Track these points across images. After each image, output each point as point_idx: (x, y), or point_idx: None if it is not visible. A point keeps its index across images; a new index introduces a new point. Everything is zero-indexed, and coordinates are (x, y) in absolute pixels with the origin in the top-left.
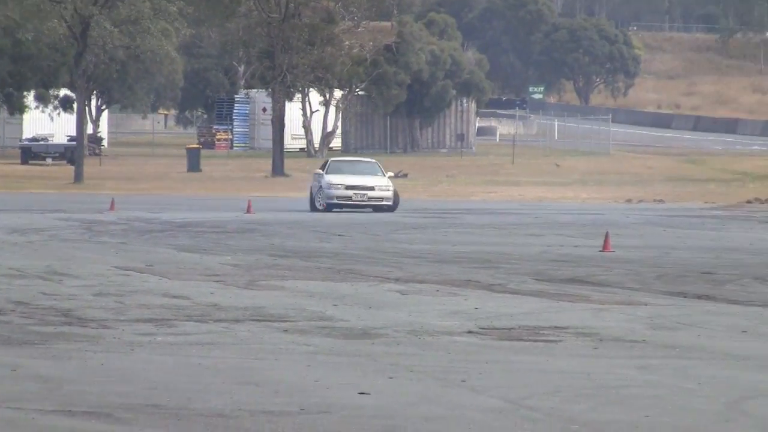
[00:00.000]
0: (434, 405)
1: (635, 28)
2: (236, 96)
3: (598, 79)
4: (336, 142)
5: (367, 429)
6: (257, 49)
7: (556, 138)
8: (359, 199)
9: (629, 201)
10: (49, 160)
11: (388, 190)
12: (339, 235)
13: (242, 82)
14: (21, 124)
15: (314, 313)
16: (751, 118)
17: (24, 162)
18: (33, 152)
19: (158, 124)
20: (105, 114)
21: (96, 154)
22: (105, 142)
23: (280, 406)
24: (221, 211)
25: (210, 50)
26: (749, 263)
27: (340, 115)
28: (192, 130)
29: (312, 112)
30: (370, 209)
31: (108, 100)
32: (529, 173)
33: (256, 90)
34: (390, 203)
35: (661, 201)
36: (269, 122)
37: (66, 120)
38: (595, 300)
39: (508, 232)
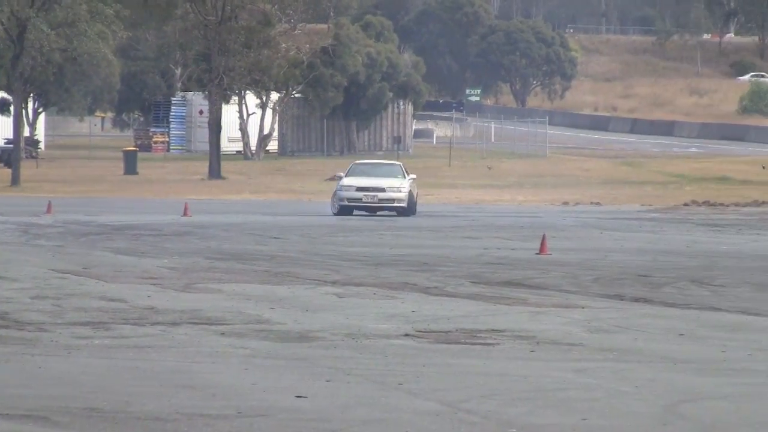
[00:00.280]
0: (371, 408)
1: (572, 30)
2: (173, 99)
3: (534, 82)
4: (273, 145)
5: None
6: (194, 51)
7: (492, 140)
8: (369, 200)
9: (566, 203)
10: None
11: (400, 191)
12: (276, 237)
13: (179, 85)
14: None
15: (251, 316)
16: (687, 120)
17: None
18: None
19: (95, 126)
20: (42, 117)
21: (33, 157)
22: (42, 145)
23: (217, 409)
24: (158, 213)
25: (147, 53)
26: (686, 266)
27: (277, 118)
28: (129, 133)
29: (249, 115)
30: (394, 212)
31: (45, 103)
32: (466, 176)
33: (192, 93)
34: (403, 205)
35: (597, 203)
36: (206, 125)
37: (2, 123)
38: (532, 303)
39: (445, 234)
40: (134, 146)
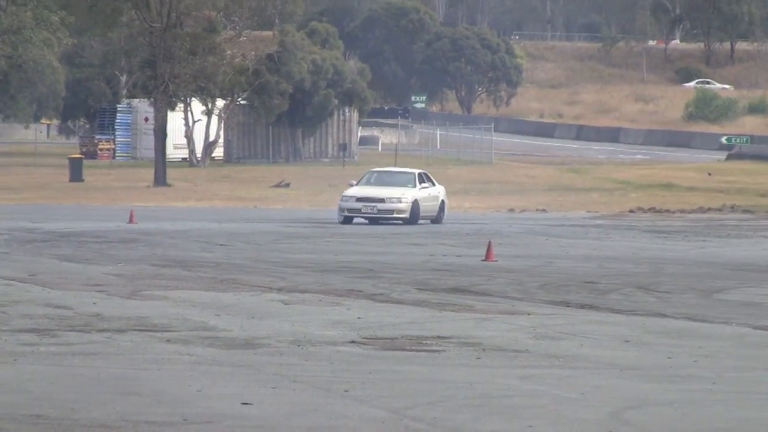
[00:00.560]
0: (317, 415)
1: (517, 37)
2: (118, 106)
3: (480, 88)
4: (218, 152)
5: None
6: (139, 58)
7: (438, 147)
8: (368, 211)
9: (512, 210)
10: None
11: (401, 202)
12: (222, 244)
13: (124, 92)
14: None
15: (197, 323)
16: (633, 127)
17: None
18: None
19: (40, 134)
20: None
21: None
22: None
23: (162, 416)
24: (104, 221)
25: (92, 60)
26: (632, 272)
27: (223, 125)
28: (74, 140)
29: (194, 122)
30: (400, 222)
31: None
32: None
33: (138, 99)
34: (404, 216)
35: (543, 210)
36: (151, 132)
37: None
38: (479, 309)
39: (391, 241)
40: (80, 153)
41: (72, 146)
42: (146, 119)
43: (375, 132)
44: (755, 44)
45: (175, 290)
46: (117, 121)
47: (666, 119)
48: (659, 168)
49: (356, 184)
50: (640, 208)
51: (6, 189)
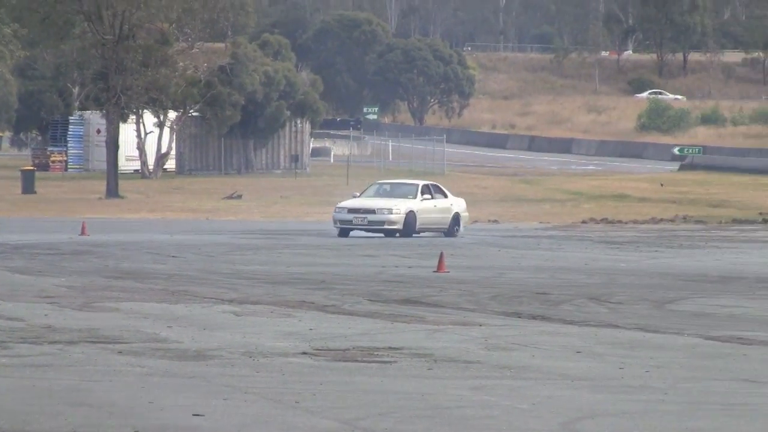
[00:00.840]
0: (268, 426)
1: (470, 48)
2: (71, 118)
3: (432, 100)
4: (171, 164)
5: None
6: (92, 70)
7: (390, 158)
8: (359, 222)
9: None
10: None
11: (392, 213)
12: (173, 256)
13: (77, 104)
14: None
15: (149, 335)
16: (585, 137)
17: None
18: None
19: None
20: None
21: None
22: None
23: (114, 428)
24: (56, 233)
25: (44, 72)
26: (584, 283)
27: (175, 137)
28: (27, 152)
29: (146, 134)
30: (395, 233)
31: None
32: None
33: (90, 111)
34: (396, 227)
35: (495, 221)
36: (104, 144)
37: None
38: (430, 321)
39: (343, 252)
40: (32, 165)
41: (24, 158)
42: (98, 131)
43: (327, 143)
44: (708, 55)
45: (127, 302)
46: (69, 133)
47: (618, 130)
48: (612, 179)
49: (359, 195)
50: (592, 219)
51: None
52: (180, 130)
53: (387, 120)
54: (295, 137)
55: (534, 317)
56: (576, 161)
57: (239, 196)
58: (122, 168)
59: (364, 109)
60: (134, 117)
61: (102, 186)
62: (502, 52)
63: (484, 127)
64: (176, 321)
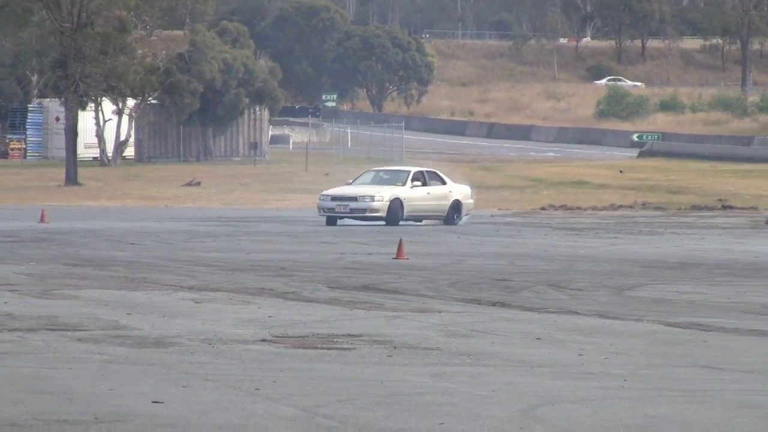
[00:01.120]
0: (228, 413)
1: (428, 35)
2: (29, 105)
3: (391, 87)
4: (130, 151)
5: None
6: (50, 58)
7: (349, 146)
8: (342, 210)
9: None
10: None
11: (374, 200)
12: (133, 243)
13: (35, 92)
14: None
15: (108, 322)
16: (544, 124)
17: None
18: None
19: None
20: None
21: None
22: None
23: (74, 415)
24: (15, 220)
25: (3, 60)
26: (543, 270)
27: (134, 124)
28: None
29: (105, 121)
30: (380, 221)
31: None
32: (323, 181)
33: (49, 99)
34: (379, 214)
35: None
36: (63, 131)
37: None
38: (389, 307)
39: (302, 239)
40: None
41: None
42: (57, 119)
43: (286, 131)
44: (666, 42)
45: (87, 289)
46: (28, 120)
47: (577, 117)
48: (571, 165)
49: (351, 183)
50: (551, 206)
51: None
52: (139, 117)
53: (346, 107)
54: (254, 125)
55: (493, 304)
56: (535, 148)
57: (198, 184)
58: (81, 155)
59: (323, 97)
60: (93, 105)
61: (61, 173)
62: (460, 39)
63: (443, 114)
64: (136, 308)
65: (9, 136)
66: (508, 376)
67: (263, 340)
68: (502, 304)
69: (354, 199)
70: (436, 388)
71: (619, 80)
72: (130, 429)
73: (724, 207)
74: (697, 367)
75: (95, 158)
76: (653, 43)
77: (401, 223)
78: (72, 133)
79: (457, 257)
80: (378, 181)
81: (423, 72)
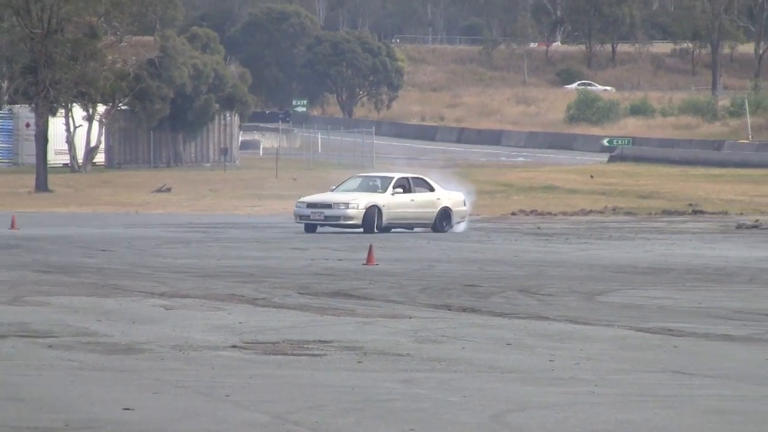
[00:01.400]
0: (199, 420)
1: (398, 40)
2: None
3: (361, 92)
4: (100, 157)
5: None
6: (20, 64)
7: (319, 151)
8: (316, 218)
9: None
10: None
11: (349, 207)
12: (103, 250)
13: (6, 98)
14: None
15: (79, 329)
16: (515, 129)
17: None
18: None
19: None
20: None
21: None
22: None
23: (45, 422)
24: None
25: None
26: (513, 275)
27: (104, 130)
28: None
29: (76, 128)
30: (357, 229)
31: None
32: (294, 186)
33: (19, 105)
34: (354, 222)
35: None
36: (33, 138)
37: None
38: (360, 313)
39: (273, 246)
40: None
41: None
42: (27, 125)
43: (256, 136)
44: (636, 46)
45: (57, 296)
46: None
47: (547, 121)
48: (541, 170)
49: (335, 189)
50: (522, 211)
51: None
52: (109, 123)
53: (316, 112)
54: (225, 130)
55: (464, 309)
56: (505, 153)
57: (168, 190)
58: (52, 162)
59: (293, 102)
60: (63, 111)
61: (31, 180)
62: (430, 44)
63: (413, 119)
64: (106, 315)
65: None
66: (478, 381)
67: (234, 347)
68: (473, 310)
69: (328, 206)
70: (406, 394)
71: (590, 85)
72: None
73: (695, 212)
74: (668, 373)
75: (66, 164)
76: (623, 48)
77: (380, 230)
78: (42, 139)
79: (428, 263)
80: (362, 187)
81: (393, 77)
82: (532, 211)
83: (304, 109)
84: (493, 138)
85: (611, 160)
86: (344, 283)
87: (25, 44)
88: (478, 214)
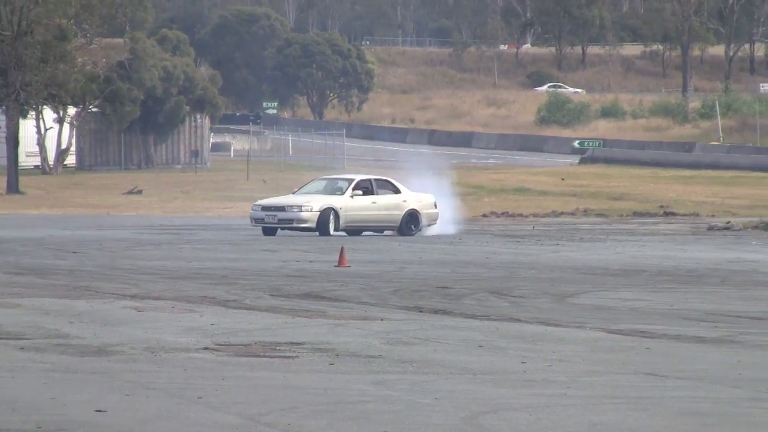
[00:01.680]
0: (171, 422)
1: (368, 42)
2: None
3: (331, 94)
4: (71, 159)
5: None
6: None
7: (290, 153)
8: (270, 220)
9: None
10: None
11: (302, 210)
12: (74, 252)
13: None
14: None
15: (50, 331)
16: (485, 131)
17: None
18: None
19: None
20: None
21: None
22: None
23: (17, 424)
24: None
25: None
26: (485, 277)
27: (75, 132)
28: None
29: (46, 130)
30: (315, 233)
31: None
32: (264, 188)
33: None
34: (308, 225)
35: None
36: (3, 140)
37: None
38: (332, 315)
39: (244, 247)
40: None
41: None
42: None
43: (227, 138)
44: (606, 48)
45: (28, 298)
46: None
47: (518, 123)
48: (512, 172)
49: (296, 192)
50: (493, 213)
51: None
52: (80, 125)
53: (287, 115)
54: (195, 132)
55: (435, 311)
56: (476, 155)
57: (139, 192)
58: (22, 164)
59: (264, 104)
60: (34, 113)
61: (2, 182)
62: (400, 47)
63: (383, 121)
64: (78, 317)
65: None
66: (450, 383)
67: (205, 348)
68: (444, 312)
69: (282, 209)
70: (378, 396)
71: (560, 87)
72: None
73: (666, 213)
74: (640, 375)
75: (36, 166)
76: (593, 50)
77: (335, 233)
78: (13, 141)
79: (399, 265)
80: (325, 190)
81: (363, 79)
82: (503, 213)
83: (274, 111)
84: (464, 140)
85: (582, 161)
86: (316, 285)
87: None
88: None
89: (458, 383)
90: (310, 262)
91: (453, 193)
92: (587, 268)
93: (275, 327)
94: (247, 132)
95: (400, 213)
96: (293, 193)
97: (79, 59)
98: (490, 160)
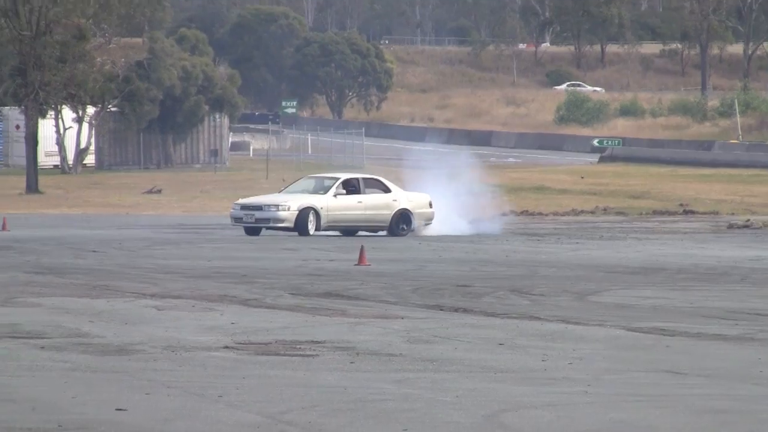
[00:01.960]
0: (192, 421)
1: (387, 41)
2: None
3: (350, 93)
4: (90, 159)
5: None
6: (9, 66)
7: (309, 152)
8: (248, 220)
9: None
10: None
11: (279, 210)
12: (94, 251)
13: None
14: None
15: (71, 330)
16: (504, 130)
17: None
18: None
19: None
20: None
21: None
22: None
23: (37, 423)
24: None
25: None
26: (505, 275)
27: (94, 132)
28: None
29: (65, 129)
30: (294, 232)
31: None
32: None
33: (9, 107)
34: (286, 225)
35: None
36: (23, 139)
37: None
38: (352, 314)
39: (264, 246)
40: None
41: None
42: (17, 127)
43: (246, 137)
44: (625, 47)
45: (49, 297)
46: None
47: (537, 122)
48: (531, 171)
49: (282, 191)
50: (512, 211)
51: None
52: (99, 125)
53: (306, 114)
54: (214, 132)
55: (456, 310)
56: (495, 154)
57: (159, 191)
58: (42, 163)
59: (283, 103)
60: (53, 112)
61: (22, 182)
62: (419, 45)
63: (402, 120)
64: (98, 316)
65: None
66: (471, 382)
67: (226, 347)
68: (465, 310)
69: (259, 208)
70: (399, 394)
71: (579, 85)
72: None
73: (686, 212)
74: (660, 372)
75: (56, 166)
76: (612, 48)
77: (317, 233)
78: (32, 141)
79: (419, 263)
80: (313, 189)
81: (382, 78)
82: (522, 212)
83: (293, 110)
84: (483, 139)
85: (602, 160)
86: (336, 284)
87: (13, 46)
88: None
89: (479, 381)
90: (331, 260)
91: (493, 192)
92: (607, 267)
93: (295, 326)
94: (266, 131)
95: (390, 212)
96: (280, 192)
97: (98, 59)
98: (510, 159)
